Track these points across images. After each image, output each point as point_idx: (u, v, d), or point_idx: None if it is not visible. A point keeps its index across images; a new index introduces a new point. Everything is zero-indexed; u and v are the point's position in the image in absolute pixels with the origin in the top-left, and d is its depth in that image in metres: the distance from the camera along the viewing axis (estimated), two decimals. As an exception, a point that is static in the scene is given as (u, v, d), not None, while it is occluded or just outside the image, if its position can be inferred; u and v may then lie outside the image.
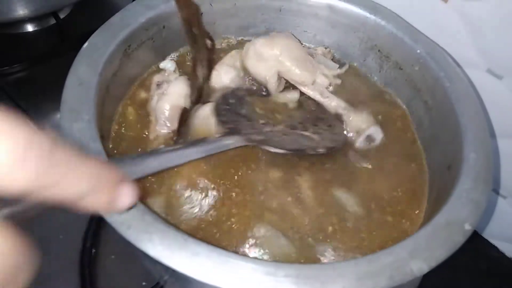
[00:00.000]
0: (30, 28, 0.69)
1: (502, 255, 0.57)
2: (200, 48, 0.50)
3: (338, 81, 0.51)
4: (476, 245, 0.57)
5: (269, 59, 0.48)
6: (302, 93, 0.50)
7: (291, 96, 0.49)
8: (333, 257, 0.38)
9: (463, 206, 0.36)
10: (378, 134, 0.48)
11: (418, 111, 0.49)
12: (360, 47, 0.53)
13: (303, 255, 0.38)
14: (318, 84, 0.49)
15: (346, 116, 0.48)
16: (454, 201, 0.36)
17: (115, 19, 0.46)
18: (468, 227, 0.35)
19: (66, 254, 0.46)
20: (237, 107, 0.46)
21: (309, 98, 0.50)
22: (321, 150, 0.44)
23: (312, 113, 0.49)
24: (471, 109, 0.43)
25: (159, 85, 0.46)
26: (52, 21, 0.69)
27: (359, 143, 0.47)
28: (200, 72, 0.49)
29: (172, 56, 0.52)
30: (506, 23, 0.45)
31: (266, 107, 0.48)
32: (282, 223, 0.40)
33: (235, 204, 0.40)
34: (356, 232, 0.40)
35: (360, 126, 0.47)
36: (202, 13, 0.52)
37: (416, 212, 0.43)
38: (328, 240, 0.39)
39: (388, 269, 0.31)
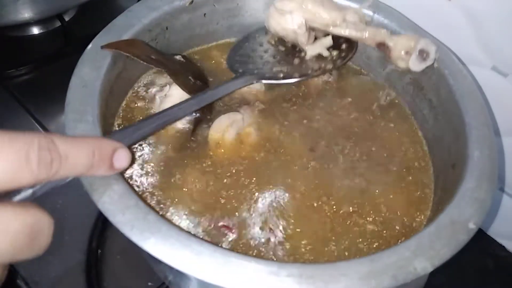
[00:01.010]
0: (35, 30, 0.70)
1: (509, 254, 0.56)
2: (176, 68, 0.48)
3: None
4: (483, 244, 0.57)
5: (293, 11, 0.47)
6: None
7: (324, 42, 0.48)
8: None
9: (467, 205, 0.36)
10: (430, 46, 0.44)
11: (422, 109, 0.49)
12: (363, 46, 0.53)
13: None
14: (349, 21, 0.48)
15: (389, 40, 0.46)
16: (458, 200, 0.36)
17: (118, 20, 0.46)
18: (472, 226, 0.34)
19: (72, 254, 0.47)
20: (252, 49, 0.51)
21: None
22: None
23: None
24: (476, 107, 0.43)
25: (161, 86, 0.46)
26: (58, 23, 0.70)
27: (413, 63, 0.44)
28: (195, 86, 0.47)
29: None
30: (511, 20, 0.45)
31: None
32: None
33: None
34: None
35: (409, 45, 0.45)
36: (156, 42, 0.50)
37: (420, 211, 0.42)
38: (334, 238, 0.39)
39: (391, 268, 0.31)
